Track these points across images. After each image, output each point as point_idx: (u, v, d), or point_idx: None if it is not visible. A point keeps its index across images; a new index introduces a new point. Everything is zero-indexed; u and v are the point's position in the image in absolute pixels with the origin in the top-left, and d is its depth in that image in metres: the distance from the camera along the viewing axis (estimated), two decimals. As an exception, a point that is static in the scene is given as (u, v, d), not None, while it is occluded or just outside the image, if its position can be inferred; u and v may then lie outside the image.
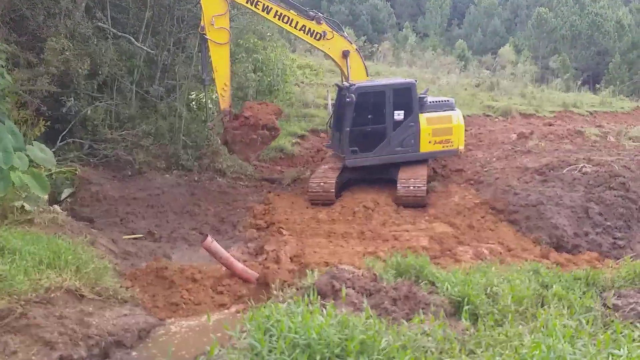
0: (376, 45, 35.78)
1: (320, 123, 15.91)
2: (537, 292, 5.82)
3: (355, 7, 57.88)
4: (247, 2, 10.74)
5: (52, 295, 5.71)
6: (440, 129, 12.56)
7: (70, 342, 5.21)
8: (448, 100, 13.36)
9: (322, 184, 11.72)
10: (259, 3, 10.76)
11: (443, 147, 12.68)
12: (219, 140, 11.59)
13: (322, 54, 16.44)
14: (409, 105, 12.16)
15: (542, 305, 5.48)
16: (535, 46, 47.47)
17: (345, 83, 12.19)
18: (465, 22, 62.32)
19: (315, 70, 21.56)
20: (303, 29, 11.44)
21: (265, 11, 10.96)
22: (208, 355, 3.68)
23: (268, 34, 16.61)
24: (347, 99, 11.54)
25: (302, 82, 21.19)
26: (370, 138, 12.04)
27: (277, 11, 11.04)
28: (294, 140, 16.25)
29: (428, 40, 52.12)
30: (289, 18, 11.21)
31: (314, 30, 11.55)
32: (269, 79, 15.57)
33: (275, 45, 16.62)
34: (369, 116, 11.97)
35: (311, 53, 26.99)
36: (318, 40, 11.72)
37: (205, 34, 10.33)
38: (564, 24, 47.69)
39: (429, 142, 12.42)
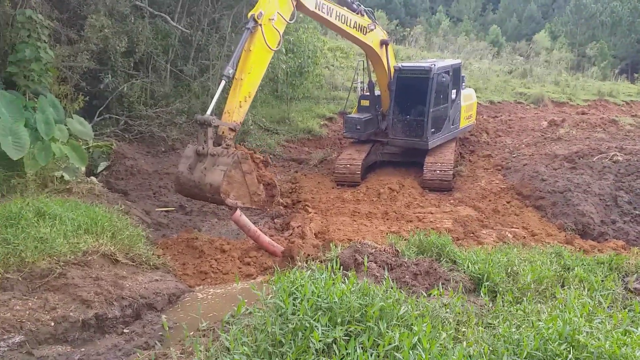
0: (408, 29, 35.32)
1: (350, 106, 15.93)
2: (558, 273, 5.87)
3: (388, -10, 57.09)
4: (315, 8, 9.67)
5: (89, 258, 6.02)
6: (469, 105, 13.34)
7: (105, 302, 5.49)
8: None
9: (348, 165, 11.86)
10: (324, 6, 9.89)
11: (469, 121, 13.61)
12: (206, 149, 7.69)
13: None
14: (458, 84, 12.57)
15: (562, 286, 5.54)
16: (572, 33, 46.06)
17: (423, 65, 12.07)
18: (501, 7, 60.84)
19: (345, 53, 21.52)
20: (355, 25, 10.87)
21: (329, 14, 10.08)
22: (235, 313, 3.88)
23: (300, 14, 16.61)
24: (443, 79, 11.35)
25: (332, 65, 21.21)
26: (441, 117, 12.13)
27: (337, 12, 10.32)
28: (322, 122, 16.39)
29: (461, 25, 51.15)
30: (345, 17, 10.55)
31: (361, 25, 11.05)
32: (299, 61, 15.65)
33: (307, 26, 16.65)
34: (441, 96, 12.02)
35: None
36: (365, 34, 11.18)
37: (259, 22, 8.19)
38: (604, 10, 46.09)
39: (464, 117, 13.06)
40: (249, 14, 8.36)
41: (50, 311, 5.13)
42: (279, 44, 8.71)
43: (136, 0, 11.98)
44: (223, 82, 7.98)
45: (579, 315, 4.04)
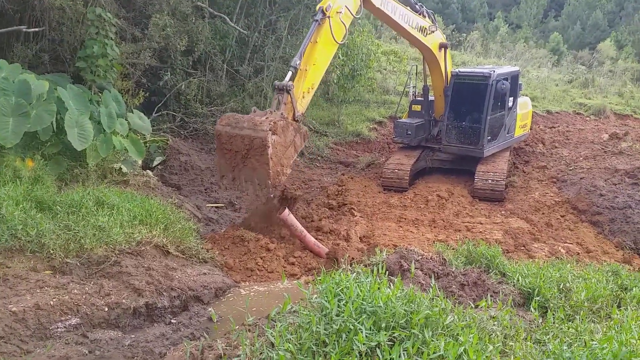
0: (464, 34, 34.64)
1: (401, 110, 15.82)
2: (615, 293, 5.61)
3: (445, -6, 56.18)
4: (380, 4, 9.58)
5: (143, 248, 6.25)
6: (524, 113, 13.04)
7: (156, 292, 5.66)
8: None
9: (396, 170, 11.76)
10: (388, 3, 9.76)
11: (524, 130, 13.28)
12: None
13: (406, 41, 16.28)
14: (515, 91, 12.28)
15: (619, 307, 5.29)
16: (640, 42, 43.75)
17: (482, 70, 11.93)
18: (563, 14, 58.58)
19: (399, 57, 21.37)
20: (417, 26, 10.66)
21: (393, 12, 9.93)
22: (281, 309, 3.93)
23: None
24: (503, 86, 11.23)
25: (385, 69, 21.11)
26: (497, 125, 11.92)
27: (401, 10, 10.17)
28: (371, 126, 16.34)
29: (520, 32, 49.63)
30: (408, 17, 10.37)
31: (423, 27, 10.86)
32: (352, 64, 15.66)
33: (361, 29, 16.65)
34: (498, 103, 11.84)
35: (396, 40, 26.70)
36: (426, 36, 10.98)
37: (327, 14, 8.28)
38: (677, 20, 43.60)
39: (519, 126, 12.77)
40: (317, 6, 8.47)
41: (105, 297, 5.33)
42: (344, 38, 8.75)
43: (197, 0, 12.36)
44: (290, 73, 8.01)
45: (637, 337, 3.85)
